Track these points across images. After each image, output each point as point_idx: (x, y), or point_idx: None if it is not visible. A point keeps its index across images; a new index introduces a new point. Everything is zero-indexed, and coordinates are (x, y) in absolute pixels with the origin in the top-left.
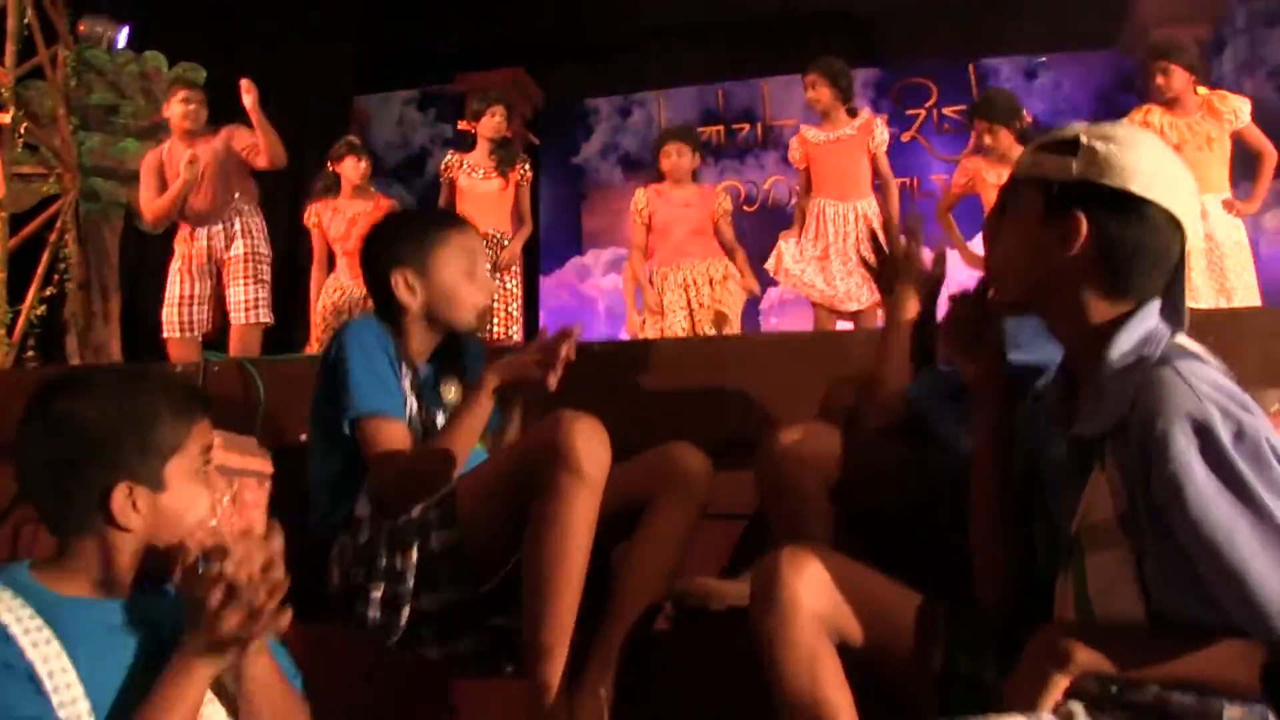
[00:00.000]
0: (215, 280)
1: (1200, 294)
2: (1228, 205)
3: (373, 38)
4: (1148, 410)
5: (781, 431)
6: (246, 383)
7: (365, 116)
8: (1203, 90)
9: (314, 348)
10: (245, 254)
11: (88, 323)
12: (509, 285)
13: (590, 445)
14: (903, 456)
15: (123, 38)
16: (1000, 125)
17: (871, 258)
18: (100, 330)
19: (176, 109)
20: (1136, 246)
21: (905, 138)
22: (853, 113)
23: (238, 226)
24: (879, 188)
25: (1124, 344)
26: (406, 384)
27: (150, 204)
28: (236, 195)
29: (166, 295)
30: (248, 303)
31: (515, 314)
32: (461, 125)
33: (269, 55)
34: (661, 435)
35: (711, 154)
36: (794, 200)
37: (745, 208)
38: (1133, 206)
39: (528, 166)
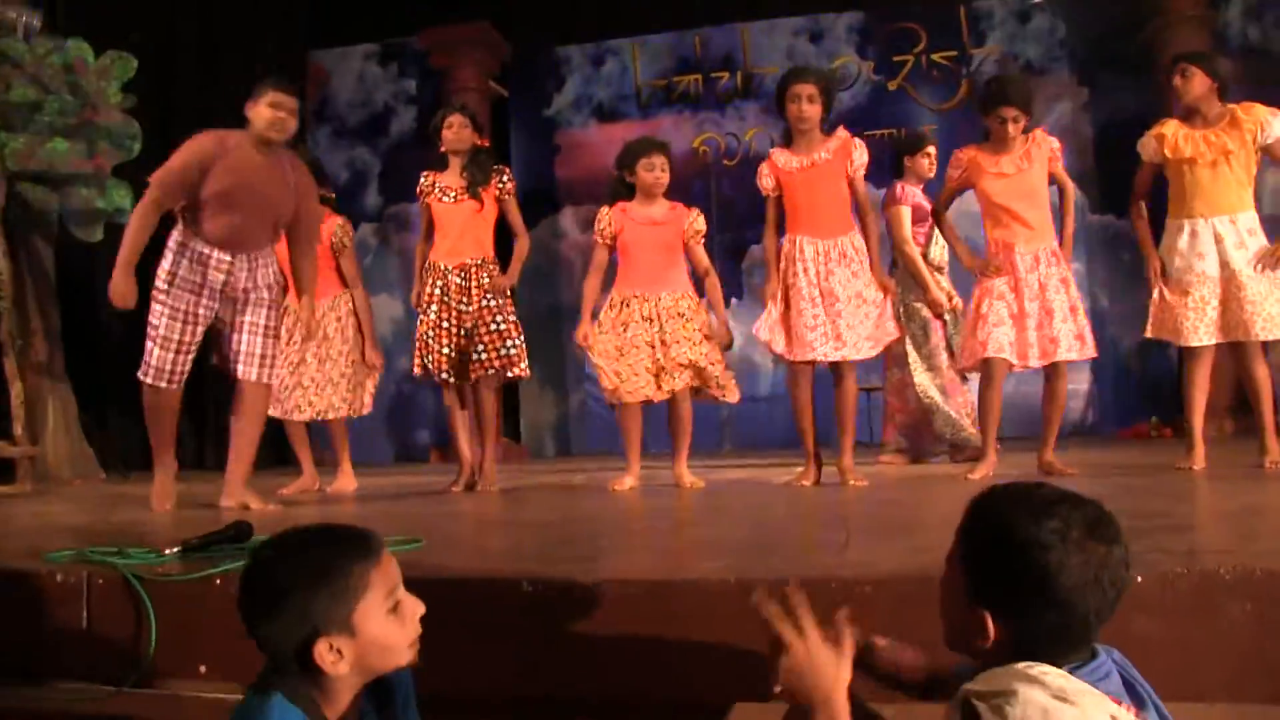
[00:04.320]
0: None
1: (1210, 330)
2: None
3: None
4: None
5: None
6: (139, 610)
7: (323, 74)
8: (1231, 106)
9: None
10: (268, 299)
11: (27, 342)
12: (499, 324)
13: None
14: None
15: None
16: (1025, 115)
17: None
18: (41, 349)
19: (264, 114)
20: None
21: (892, 86)
22: (829, 130)
23: (259, 260)
24: (857, 217)
25: None
26: None
27: (160, 183)
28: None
29: (152, 330)
30: (261, 359)
31: (514, 354)
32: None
33: (212, 17)
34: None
35: (689, 105)
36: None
37: (725, 161)
38: None
39: (506, 176)
